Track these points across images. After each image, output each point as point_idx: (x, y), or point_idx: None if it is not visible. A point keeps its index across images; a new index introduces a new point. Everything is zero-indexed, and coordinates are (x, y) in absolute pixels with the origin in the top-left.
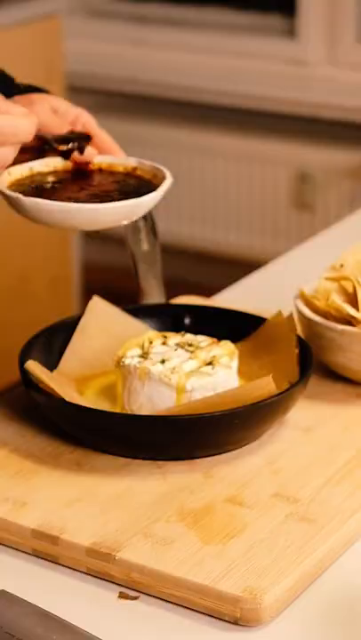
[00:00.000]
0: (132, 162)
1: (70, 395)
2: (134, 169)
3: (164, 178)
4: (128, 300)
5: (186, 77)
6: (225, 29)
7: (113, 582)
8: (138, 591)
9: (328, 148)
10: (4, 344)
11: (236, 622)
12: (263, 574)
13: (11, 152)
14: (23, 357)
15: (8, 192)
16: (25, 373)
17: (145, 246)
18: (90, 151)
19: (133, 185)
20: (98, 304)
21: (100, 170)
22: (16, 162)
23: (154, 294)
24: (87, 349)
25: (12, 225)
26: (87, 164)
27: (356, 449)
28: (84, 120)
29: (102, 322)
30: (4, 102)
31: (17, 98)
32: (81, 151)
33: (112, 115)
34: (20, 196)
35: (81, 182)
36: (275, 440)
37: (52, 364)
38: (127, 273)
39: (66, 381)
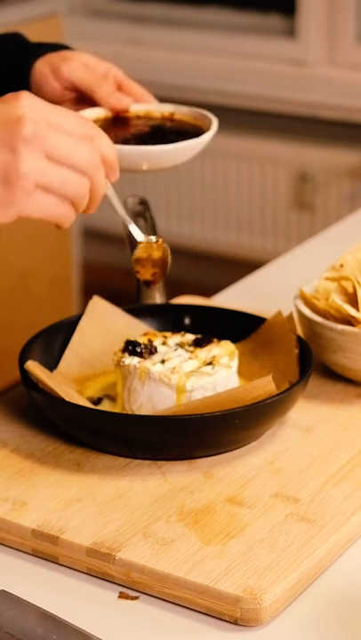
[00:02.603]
0: (168, 107)
1: (70, 395)
2: (171, 114)
3: (204, 119)
4: (128, 299)
5: (185, 77)
6: (225, 29)
7: (113, 582)
8: (138, 591)
9: (328, 148)
10: (4, 344)
11: (235, 622)
12: (263, 574)
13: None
14: (23, 357)
15: None
16: (25, 373)
17: None
18: (127, 99)
19: (172, 128)
20: (98, 304)
21: (138, 117)
22: None
23: (154, 294)
24: (87, 349)
25: (12, 225)
26: (125, 112)
27: (356, 449)
28: (114, 73)
29: (102, 322)
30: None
31: (51, 55)
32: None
33: None
34: None
35: (122, 129)
36: (275, 440)
37: (52, 364)
38: (127, 273)
39: (65, 381)
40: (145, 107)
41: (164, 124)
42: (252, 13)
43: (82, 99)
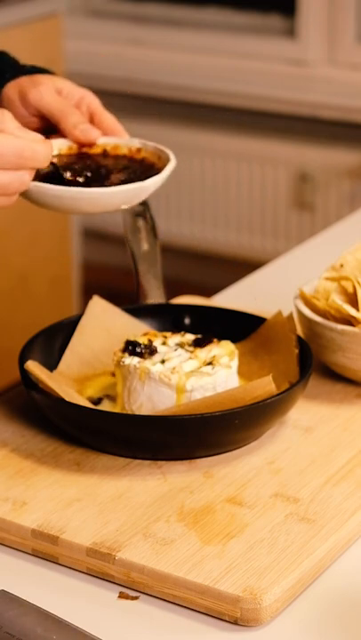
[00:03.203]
0: (136, 143)
1: (70, 395)
2: (138, 150)
3: (167, 160)
4: (128, 299)
5: (185, 77)
6: (225, 29)
7: (113, 582)
8: (138, 591)
9: (328, 148)
10: (4, 344)
11: (235, 622)
12: (263, 574)
13: (28, 176)
14: (23, 357)
15: None
16: (25, 373)
17: (145, 246)
18: (94, 132)
19: (137, 168)
20: (98, 304)
21: (105, 151)
22: None
23: (154, 294)
24: (87, 349)
25: (12, 225)
26: (91, 145)
27: (356, 449)
28: (88, 101)
29: (102, 322)
30: (20, 129)
31: (22, 79)
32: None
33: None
34: None
35: (85, 165)
36: (275, 440)
37: (52, 364)
38: (127, 273)
39: (65, 381)
40: (113, 141)
41: (128, 163)
42: (252, 13)
43: (51, 126)
